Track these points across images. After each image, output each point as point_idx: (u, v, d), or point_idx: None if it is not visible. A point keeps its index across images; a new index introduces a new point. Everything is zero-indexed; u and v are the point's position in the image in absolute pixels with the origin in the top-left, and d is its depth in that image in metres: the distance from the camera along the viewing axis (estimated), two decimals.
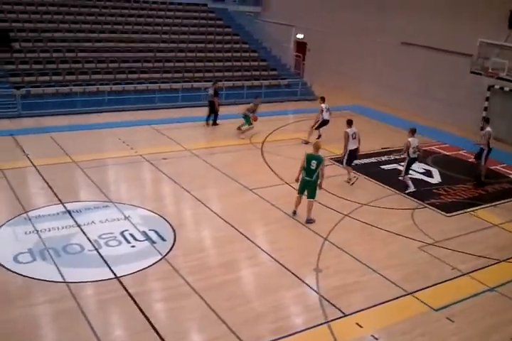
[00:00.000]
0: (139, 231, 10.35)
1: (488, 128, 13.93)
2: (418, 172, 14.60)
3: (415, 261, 10.11)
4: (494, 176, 14.89)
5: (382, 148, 16.47)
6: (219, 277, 9.06)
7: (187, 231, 10.77)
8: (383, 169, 14.93)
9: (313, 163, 10.93)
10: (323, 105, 16.53)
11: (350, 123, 13.67)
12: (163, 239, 10.08)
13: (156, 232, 10.34)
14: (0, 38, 20.55)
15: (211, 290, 8.62)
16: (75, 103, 18.77)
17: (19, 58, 20.35)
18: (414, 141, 12.98)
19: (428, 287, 9.20)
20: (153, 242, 9.97)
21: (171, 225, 10.69)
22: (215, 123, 18.13)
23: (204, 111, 18.22)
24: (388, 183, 13.73)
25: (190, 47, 24.44)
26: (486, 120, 14.56)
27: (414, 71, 21.59)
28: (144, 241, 10.01)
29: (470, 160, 16.00)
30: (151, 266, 9.22)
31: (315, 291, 8.84)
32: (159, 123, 17.85)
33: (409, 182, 13.25)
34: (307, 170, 11.02)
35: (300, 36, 27.95)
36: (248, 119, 16.70)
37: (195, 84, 21.43)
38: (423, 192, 13.32)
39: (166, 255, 9.58)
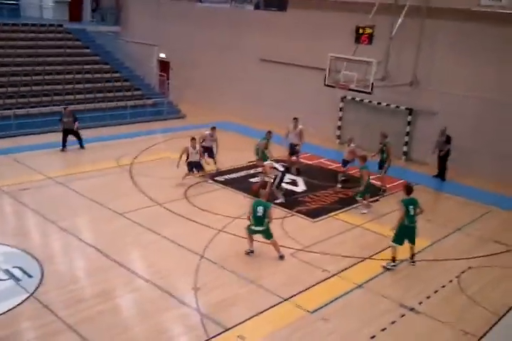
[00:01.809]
0: (0, 269, 9.62)
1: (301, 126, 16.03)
2: (285, 182, 15.22)
3: (288, 267, 10.52)
4: (355, 180, 15.96)
5: (249, 162, 16.87)
6: (95, 308, 8.73)
7: (55, 264, 10.19)
8: (252, 182, 15.35)
9: (260, 210, 10.41)
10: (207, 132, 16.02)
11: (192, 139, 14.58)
12: (29, 276, 9.47)
13: (21, 269, 9.67)
14: None
15: (87, 323, 8.27)
16: None
17: None
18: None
19: (302, 291, 9.61)
20: (18, 280, 9.33)
21: (37, 260, 10.08)
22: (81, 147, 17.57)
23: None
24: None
25: (47, 69, 23.33)
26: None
27: (275, 85, 22.53)
28: (7, 280, 9.33)
29: (330, 167, 17.12)
30: (18, 305, 8.63)
31: (195, 310, 8.83)
32: (16, 152, 16.78)
33: (279, 194, 13.78)
34: (254, 218, 10.49)
35: (163, 55, 27.98)
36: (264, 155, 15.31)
37: (55, 108, 20.53)
38: (291, 201, 13.92)
39: (34, 292, 9.01)
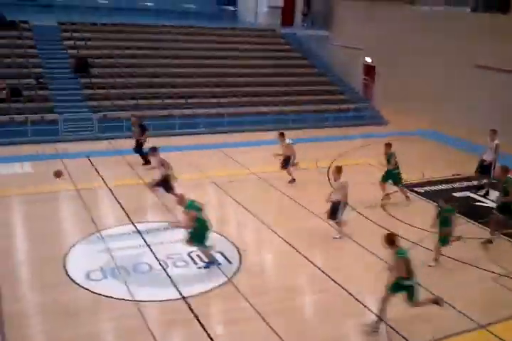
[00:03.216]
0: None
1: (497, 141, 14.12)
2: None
3: (487, 291, 9.66)
4: None
5: (453, 175, 15.93)
6: (284, 302, 9.04)
7: (253, 254, 10.82)
8: (455, 196, 14.42)
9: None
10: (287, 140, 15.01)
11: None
12: (229, 262, 10.20)
13: (223, 254, 10.46)
14: (80, 65, 21.84)
15: (276, 315, 8.59)
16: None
17: (96, 83, 21.52)
18: None
19: (502, 320, 8.73)
20: (219, 264, 10.09)
21: (236, 248, 10.80)
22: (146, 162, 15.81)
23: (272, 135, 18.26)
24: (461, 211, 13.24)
25: (258, 72, 24.91)
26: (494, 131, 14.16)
27: (488, 94, 20.87)
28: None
29: None
30: (216, 287, 9.33)
31: (382, 320, 8.60)
32: (227, 147, 18.22)
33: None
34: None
35: (368, 59, 27.85)
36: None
37: (263, 108, 21.83)
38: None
39: (231, 277, 9.66)
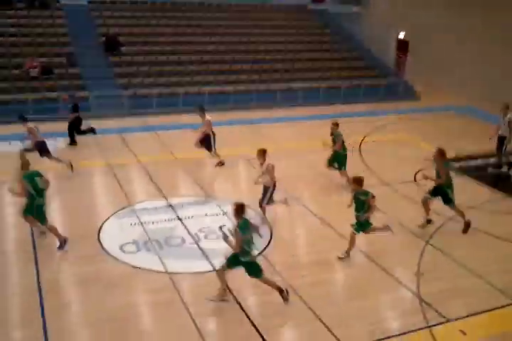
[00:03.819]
0: None
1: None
2: None
3: None
4: None
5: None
6: (315, 276, 9.01)
7: (283, 228, 10.80)
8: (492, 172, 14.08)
9: None
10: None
11: None
12: (259, 236, 10.19)
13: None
14: (109, 43, 21.89)
15: (308, 288, 8.57)
16: (176, 102, 19.51)
17: (126, 61, 21.56)
18: None
19: None
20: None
21: (268, 222, 10.78)
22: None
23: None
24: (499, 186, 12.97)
25: (288, 48, 24.57)
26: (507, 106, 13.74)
27: None
28: None
29: None
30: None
31: (415, 295, 8.51)
32: (256, 122, 18.16)
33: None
34: None
35: (402, 35, 27.16)
36: None
37: (293, 85, 21.61)
38: None
39: (262, 251, 9.66)
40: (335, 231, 10.51)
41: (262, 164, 10.53)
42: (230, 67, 22.45)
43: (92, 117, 17.56)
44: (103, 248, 9.66)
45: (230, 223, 10.61)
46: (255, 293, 8.57)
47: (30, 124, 13.03)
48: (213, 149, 13.86)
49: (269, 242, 10.07)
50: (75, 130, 15.54)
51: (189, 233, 10.27)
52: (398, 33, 27.31)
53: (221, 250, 8.88)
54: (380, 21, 27.57)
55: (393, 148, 15.69)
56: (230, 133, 16.73)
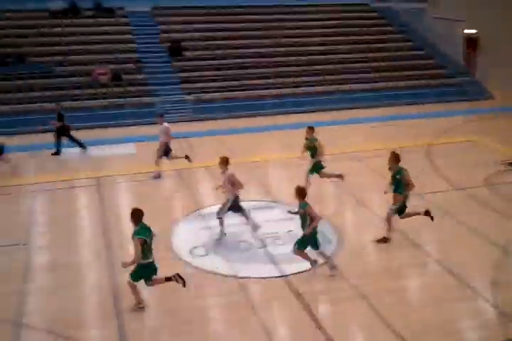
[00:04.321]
0: None
1: None
2: None
3: None
4: None
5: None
6: (384, 283, 8.80)
7: (351, 234, 10.64)
8: None
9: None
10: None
11: None
12: (328, 241, 10.05)
13: (322, 233, 10.29)
14: (174, 48, 22.29)
15: (376, 296, 8.37)
16: (238, 107, 19.67)
17: (189, 66, 21.85)
18: None
19: None
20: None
21: (335, 227, 10.62)
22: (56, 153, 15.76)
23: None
24: None
25: (351, 48, 24.17)
26: None
27: None
28: None
29: None
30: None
31: (492, 306, 8.13)
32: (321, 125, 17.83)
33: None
34: None
35: (470, 31, 26.10)
36: None
37: (353, 86, 21.29)
38: None
39: (330, 257, 9.51)
40: (405, 237, 10.21)
41: (223, 172, 10.20)
42: (287, 69, 22.21)
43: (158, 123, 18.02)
44: (173, 251, 9.83)
45: (297, 228, 10.53)
46: (324, 300, 8.46)
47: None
48: (160, 157, 13.59)
49: (337, 247, 9.90)
50: (67, 137, 15.79)
51: (257, 238, 10.27)
52: (466, 30, 26.24)
53: (288, 255, 8.85)
54: (447, 18, 26.58)
55: (463, 151, 15.09)
56: (294, 137, 16.65)
